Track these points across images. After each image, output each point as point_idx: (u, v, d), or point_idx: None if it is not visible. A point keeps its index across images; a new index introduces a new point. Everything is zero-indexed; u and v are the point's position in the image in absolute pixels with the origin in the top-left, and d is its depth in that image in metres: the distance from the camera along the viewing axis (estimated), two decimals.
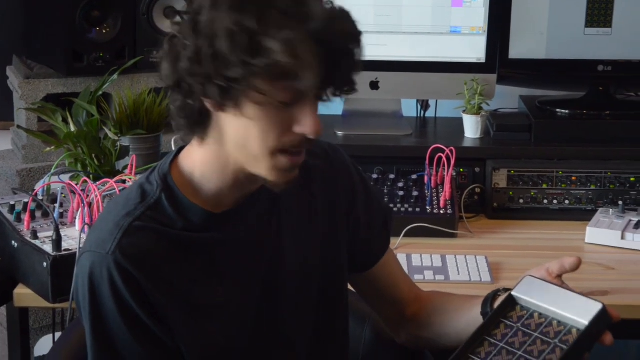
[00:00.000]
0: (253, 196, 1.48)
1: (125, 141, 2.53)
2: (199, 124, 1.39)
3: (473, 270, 2.17)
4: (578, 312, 1.39)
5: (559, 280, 1.51)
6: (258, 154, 1.36)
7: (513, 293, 1.47)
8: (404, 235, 2.35)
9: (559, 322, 1.41)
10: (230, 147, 1.38)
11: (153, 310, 1.40)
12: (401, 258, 2.21)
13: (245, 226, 1.48)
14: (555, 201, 2.54)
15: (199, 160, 1.43)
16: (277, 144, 1.35)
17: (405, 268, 2.15)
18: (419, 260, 2.22)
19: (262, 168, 1.38)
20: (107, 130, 2.48)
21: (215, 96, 1.32)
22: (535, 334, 1.41)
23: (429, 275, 2.15)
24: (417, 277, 2.13)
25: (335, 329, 1.62)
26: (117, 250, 1.38)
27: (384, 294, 1.71)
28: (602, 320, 1.39)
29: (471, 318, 1.55)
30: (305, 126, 1.35)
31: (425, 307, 1.71)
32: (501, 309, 1.46)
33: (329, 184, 1.59)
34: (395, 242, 2.32)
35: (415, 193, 2.45)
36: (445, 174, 2.46)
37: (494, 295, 1.54)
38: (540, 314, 1.43)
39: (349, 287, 1.69)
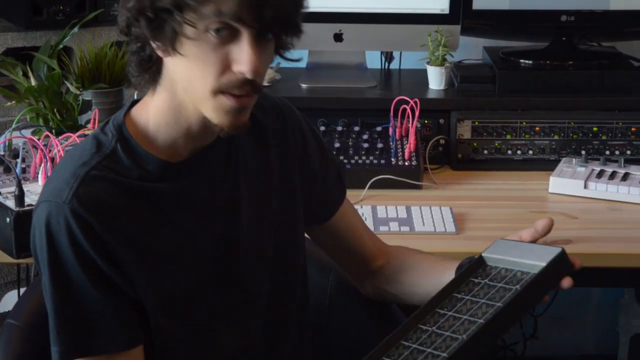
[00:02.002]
0: (209, 148, 1.48)
1: (87, 95, 2.51)
2: (149, 70, 1.40)
3: (438, 221, 2.18)
4: (538, 257, 1.43)
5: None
6: (201, 94, 1.36)
7: (483, 254, 1.51)
8: (369, 187, 2.36)
9: (522, 271, 1.44)
10: (180, 92, 1.39)
11: (111, 259, 1.41)
12: (366, 210, 2.22)
13: (201, 177, 1.48)
14: (519, 151, 2.56)
15: (152, 110, 1.44)
16: (216, 84, 1.35)
17: (371, 220, 2.17)
18: (384, 212, 2.23)
19: (207, 109, 1.38)
20: (68, 85, 2.45)
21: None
22: (500, 285, 1.43)
23: (394, 226, 2.16)
24: (382, 228, 2.14)
25: (293, 280, 1.63)
26: (73, 199, 1.38)
27: (345, 246, 1.71)
28: (561, 264, 1.42)
29: (443, 281, 1.55)
30: (241, 63, 1.34)
31: (394, 262, 1.72)
32: (470, 269, 1.50)
33: (282, 139, 1.59)
34: (360, 194, 2.32)
35: (379, 145, 2.45)
36: (410, 125, 2.46)
37: (470, 261, 1.56)
38: (506, 269, 1.46)
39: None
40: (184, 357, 1.51)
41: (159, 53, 1.37)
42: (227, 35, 1.33)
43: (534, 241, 1.53)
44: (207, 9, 1.30)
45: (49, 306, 1.43)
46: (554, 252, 1.42)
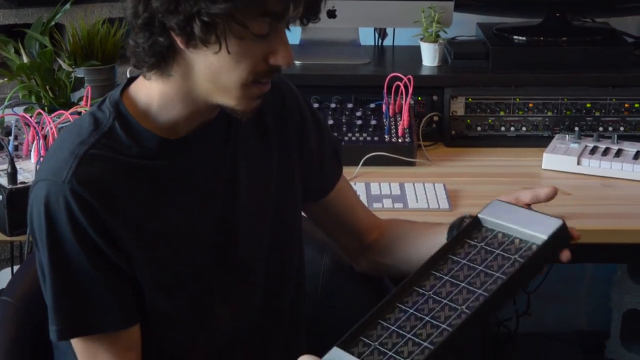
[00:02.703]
0: (208, 125, 1.48)
1: (79, 72, 2.50)
2: (165, 61, 1.39)
3: (431, 198, 2.19)
4: (538, 228, 1.41)
5: (527, 207, 1.51)
6: (231, 86, 1.38)
7: (479, 215, 1.48)
8: (363, 164, 2.36)
9: (520, 239, 1.42)
10: (198, 80, 1.39)
11: (110, 238, 1.41)
12: (360, 187, 2.22)
13: (200, 154, 1.48)
14: (512, 128, 2.55)
15: (157, 93, 1.43)
16: (250, 77, 1.38)
17: (364, 197, 2.17)
18: (378, 189, 2.23)
19: (231, 99, 1.40)
20: (61, 62, 2.44)
21: (199, 33, 1.32)
22: (497, 251, 1.42)
23: (387, 203, 2.16)
24: (375, 205, 2.14)
25: (290, 257, 1.63)
26: (73, 178, 1.38)
27: (341, 222, 1.72)
28: (562, 236, 1.40)
29: (437, 244, 1.55)
30: (279, 57, 1.38)
31: (387, 234, 1.72)
32: (466, 230, 1.47)
33: (280, 115, 1.59)
34: (353, 171, 2.32)
35: (373, 122, 2.45)
36: (403, 102, 2.46)
37: (460, 221, 1.56)
38: (503, 234, 1.45)
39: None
40: (181, 336, 1.51)
41: (180, 45, 1.36)
42: (269, 31, 1.35)
43: (529, 204, 1.52)
44: (257, 10, 1.32)
45: (47, 285, 1.43)
46: (555, 224, 1.40)
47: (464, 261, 1.43)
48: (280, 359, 1.39)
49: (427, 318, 1.36)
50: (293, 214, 1.63)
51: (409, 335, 1.34)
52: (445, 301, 1.37)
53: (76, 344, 1.46)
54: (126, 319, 1.45)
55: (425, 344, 1.32)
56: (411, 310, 1.38)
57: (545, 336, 3.29)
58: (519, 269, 1.37)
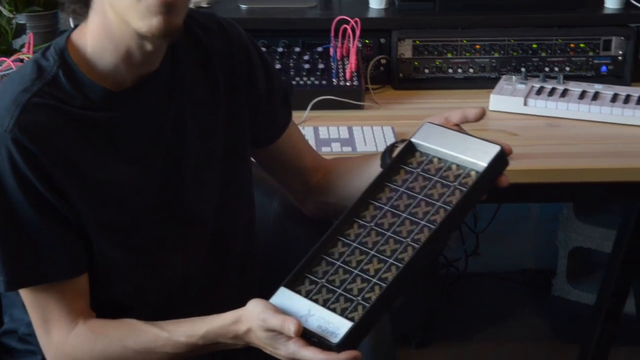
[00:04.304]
0: (153, 75, 1.46)
1: (21, 19, 2.46)
2: None
3: (380, 141, 2.19)
4: (476, 155, 1.41)
5: (457, 128, 1.51)
6: (125, 2, 1.33)
7: (412, 139, 1.47)
8: (311, 109, 2.35)
9: (457, 165, 1.42)
10: (109, 9, 1.37)
11: (54, 187, 1.39)
12: (308, 131, 2.22)
13: (145, 106, 1.46)
14: (459, 70, 2.56)
15: (89, 35, 1.42)
16: None
17: (313, 141, 2.17)
18: (326, 133, 2.23)
19: (134, 18, 1.34)
20: (1, 8, 2.40)
21: None
22: (435, 178, 1.42)
23: (336, 147, 2.17)
24: (324, 149, 2.14)
25: (239, 205, 1.63)
26: (15, 127, 1.36)
27: (289, 165, 1.71)
28: (500, 162, 1.41)
29: (372, 173, 1.54)
30: None
31: (329, 174, 1.72)
32: (401, 156, 1.46)
33: (227, 61, 1.57)
34: (301, 115, 2.32)
35: (320, 66, 2.44)
36: (351, 45, 2.45)
37: (392, 147, 1.55)
38: (439, 159, 1.44)
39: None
40: (128, 284, 1.51)
41: None
42: None
43: (459, 124, 1.51)
44: None
45: None
46: (492, 150, 1.40)
47: (402, 189, 1.42)
48: (231, 305, 1.39)
49: (372, 252, 1.35)
50: (242, 161, 1.62)
51: (356, 272, 1.34)
52: (388, 233, 1.37)
53: (25, 293, 1.45)
54: (74, 268, 1.44)
55: (374, 280, 1.32)
56: (354, 244, 1.37)
57: (493, 276, 3.34)
58: (463, 198, 1.37)
